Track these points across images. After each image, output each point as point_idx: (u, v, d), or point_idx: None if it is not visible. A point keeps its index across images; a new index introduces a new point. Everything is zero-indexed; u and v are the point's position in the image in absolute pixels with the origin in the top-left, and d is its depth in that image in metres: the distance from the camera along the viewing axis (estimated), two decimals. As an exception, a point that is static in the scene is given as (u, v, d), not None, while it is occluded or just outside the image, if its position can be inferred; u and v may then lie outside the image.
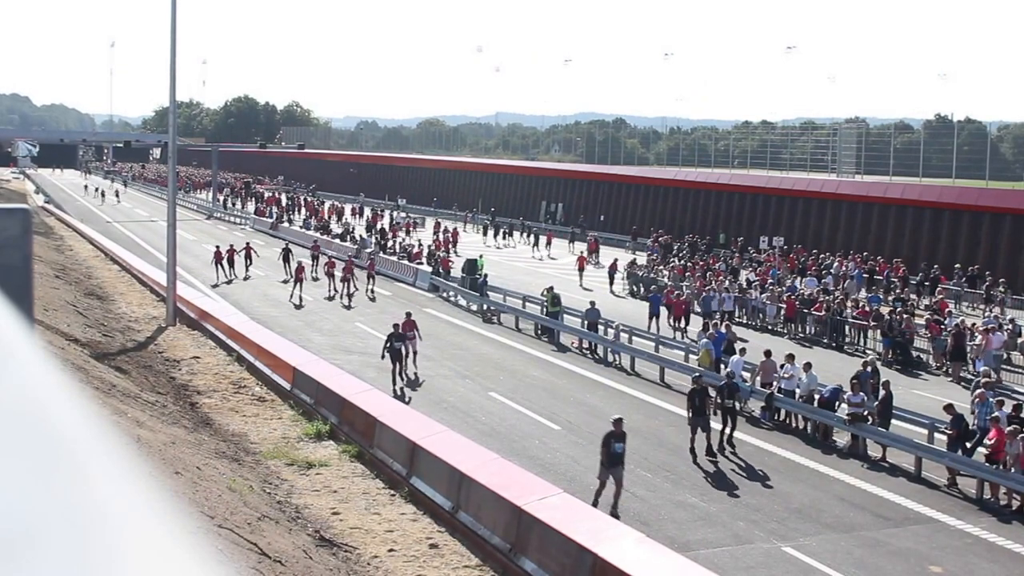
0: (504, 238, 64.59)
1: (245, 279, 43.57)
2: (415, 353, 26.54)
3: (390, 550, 14.41)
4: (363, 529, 15.18)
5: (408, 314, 27.47)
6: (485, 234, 66.31)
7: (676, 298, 34.56)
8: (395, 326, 25.94)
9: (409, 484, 16.86)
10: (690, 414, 20.12)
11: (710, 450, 19.91)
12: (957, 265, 42.42)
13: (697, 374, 21.98)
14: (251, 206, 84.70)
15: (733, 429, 20.93)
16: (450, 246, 53.23)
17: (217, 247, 44.75)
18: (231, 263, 43.77)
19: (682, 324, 33.40)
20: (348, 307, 37.59)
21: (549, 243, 58.74)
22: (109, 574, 0.70)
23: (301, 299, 38.38)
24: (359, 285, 40.24)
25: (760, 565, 14.73)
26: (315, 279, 41.93)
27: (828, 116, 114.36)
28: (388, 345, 25.40)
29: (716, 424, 20.73)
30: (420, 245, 51.06)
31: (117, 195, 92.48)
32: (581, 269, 45.87)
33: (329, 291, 39.95)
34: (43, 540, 0.69)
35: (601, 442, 16.68)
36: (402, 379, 25.40)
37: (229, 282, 42.57)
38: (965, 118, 78.88)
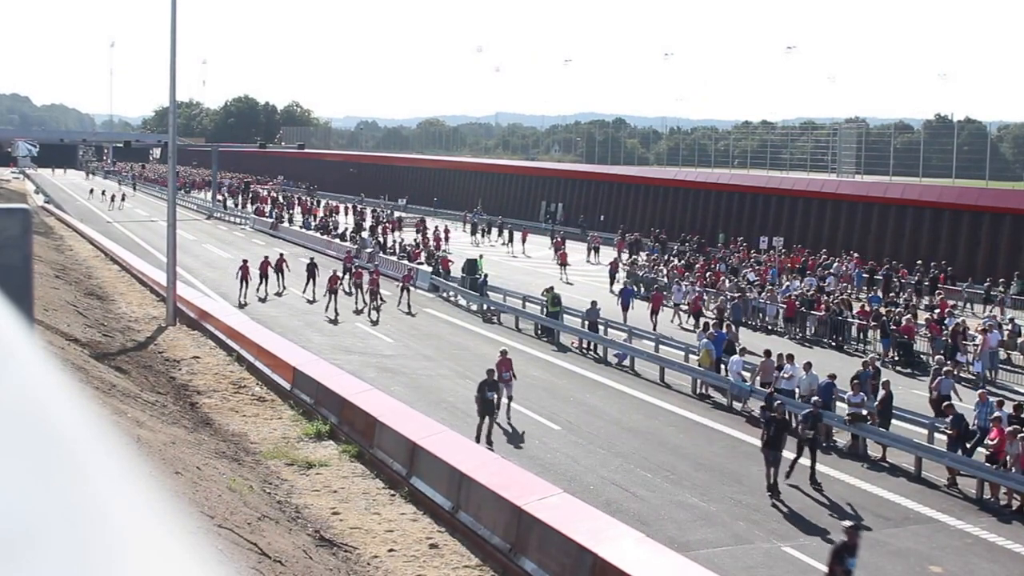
0: (483, 236, 64.94)
1: (278, 294, 39.30)
2: (510, 399, 21.91)
3: (390, 550, 14.42)
4: (363, 529, 15.18)
5: (503, 352, 22.97)
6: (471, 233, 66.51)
7: (656, 291, 36.43)
8: (489, 371, 20.82)
9: (409, 484, 16.86)
10: (763, 444, 18.03)
11: (775, 488, 17.62)
12: (919, 261, 43.12)
13: (778, 401, 19.81)
14: (251, 206, 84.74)
15: (815, 462, 18.63)
16: (440, 243, 54.12)
17: (244, 261, 39.20)
18: (264, 277, 39.23)
19: (657, 317, 34.48)
20: (375, 322, 34.31)
21: (524, 240, 59.38)
22: (109, 574, 0.70)
23: (337, 312, 35.18)
24: (385, 298, 36.81)
25: (760, 565, 14.73)
26: (347, 293, 38.11)
27: (828, 116, 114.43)
28: (480, 395, 20.31)
29: (790, 454, 18.65)
30: (419, 245, 51.34)
31: (124, 198, 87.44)
32: (563, 264, 47.91)
33: (357, 304, 37.03)
34: (43, 540, 0.69)
35: (829, 558, 12.94)
36: (489, 436, 20.29)
37: (263, 299, 38.21)
38: (965, 118, 78.92)
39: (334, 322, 34.12)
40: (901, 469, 19.59)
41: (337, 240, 56.51)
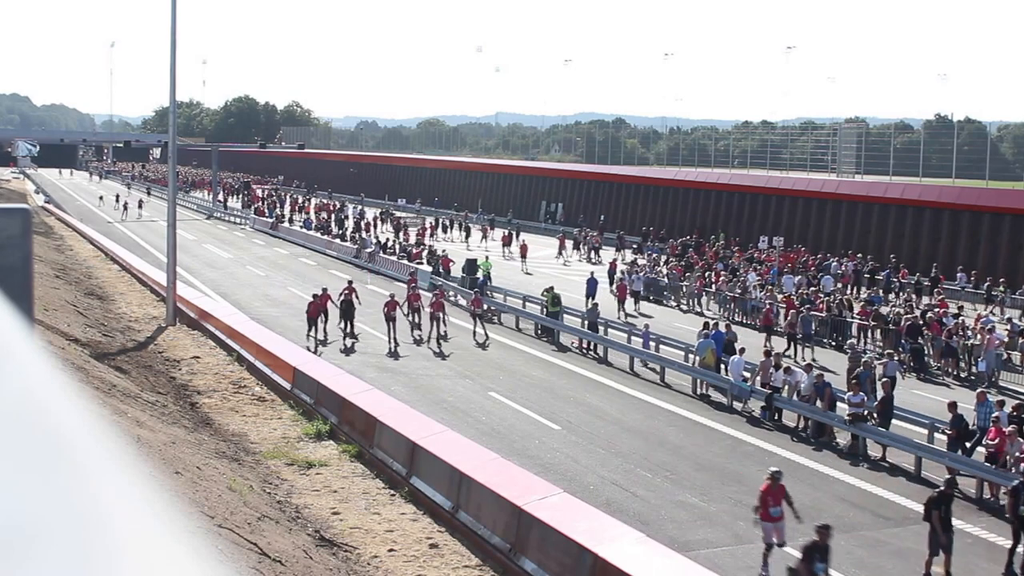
0: (445, 232, 66.01)
1: (350, 335, 31.11)
2: (781, 546, 14.87)
3: (390, 550, 14.42)
4: (363, 529, 15.18)
5: (776, 475, 15.25)
6: (443, 230, 66.86)
7: (620, 282, 37.91)
8: (821, 531, 13.12)
9: (409, 484, 16.86)
10: (931, 526, 14.89)
11: None
12: (903, 261, 43.55)
13: (949, 476, 16.12)
14: (252, 207, 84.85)
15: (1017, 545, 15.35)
16: (424, 237, 57.03)
17: (315, 296, 31.39)
18: (326, 315, 31.04)
19: (625, 307, 36.48)
20: (440, 354, 29.35)
21: (485, 236, 62.24)
22: (109, 574, 0.70)
23: (398, 343, 30.00)
24: (447, 323, 31.98)
25: (760, 565, 14.71)
26: (418, 325, 32.40)
27: (828, 116, 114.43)
28: (805, 569, 12.91)
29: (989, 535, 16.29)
30: (418, 244, 51.57)
31: (141, 205, 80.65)
32: (523, 256, 51.34)
33: (414, 333, 31.77)
34: (43, 540, 0.69)
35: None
36: None
37: (324, 341, 30.33)
38: (965, 118, 79.05)
39: (394, 355, 29.01)
40: (901, 469, 19.59)
41: (337, 240, 56.53)
